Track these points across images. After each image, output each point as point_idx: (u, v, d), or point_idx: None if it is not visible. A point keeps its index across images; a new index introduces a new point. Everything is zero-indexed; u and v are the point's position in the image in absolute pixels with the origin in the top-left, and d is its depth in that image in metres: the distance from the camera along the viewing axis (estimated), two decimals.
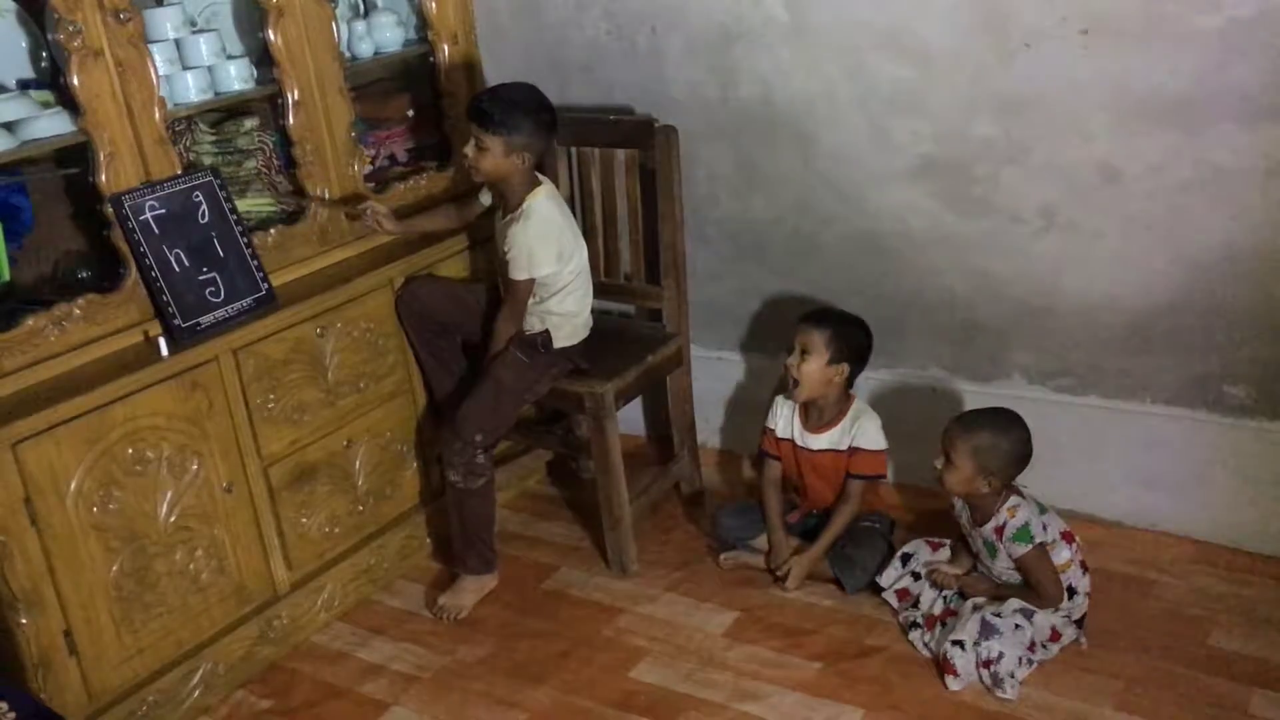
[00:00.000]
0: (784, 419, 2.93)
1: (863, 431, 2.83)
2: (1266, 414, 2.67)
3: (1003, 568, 2.57)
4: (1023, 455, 2.52)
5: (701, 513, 3.22)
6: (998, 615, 2.47)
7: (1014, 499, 2.53)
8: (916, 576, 2.71)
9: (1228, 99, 2.46)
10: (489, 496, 2.90)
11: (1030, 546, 2.48)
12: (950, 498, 2.66)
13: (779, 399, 2.95)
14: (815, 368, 2.79)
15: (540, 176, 2.85)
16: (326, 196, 2.89)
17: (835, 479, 2.88)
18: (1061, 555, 2.53)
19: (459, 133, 3.26)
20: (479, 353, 2.94)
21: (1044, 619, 2.51)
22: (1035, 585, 2.51)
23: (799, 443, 2.90)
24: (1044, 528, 2.52)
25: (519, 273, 2.77)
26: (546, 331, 2.85)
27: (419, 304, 2.97)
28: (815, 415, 2.88)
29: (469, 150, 2.77)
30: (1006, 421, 2.53)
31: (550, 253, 2.77)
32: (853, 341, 2.81)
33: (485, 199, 2.97)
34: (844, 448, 2.85)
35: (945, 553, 2.73)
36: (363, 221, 2.87)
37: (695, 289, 3.21)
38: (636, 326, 3.30)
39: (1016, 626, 2.46)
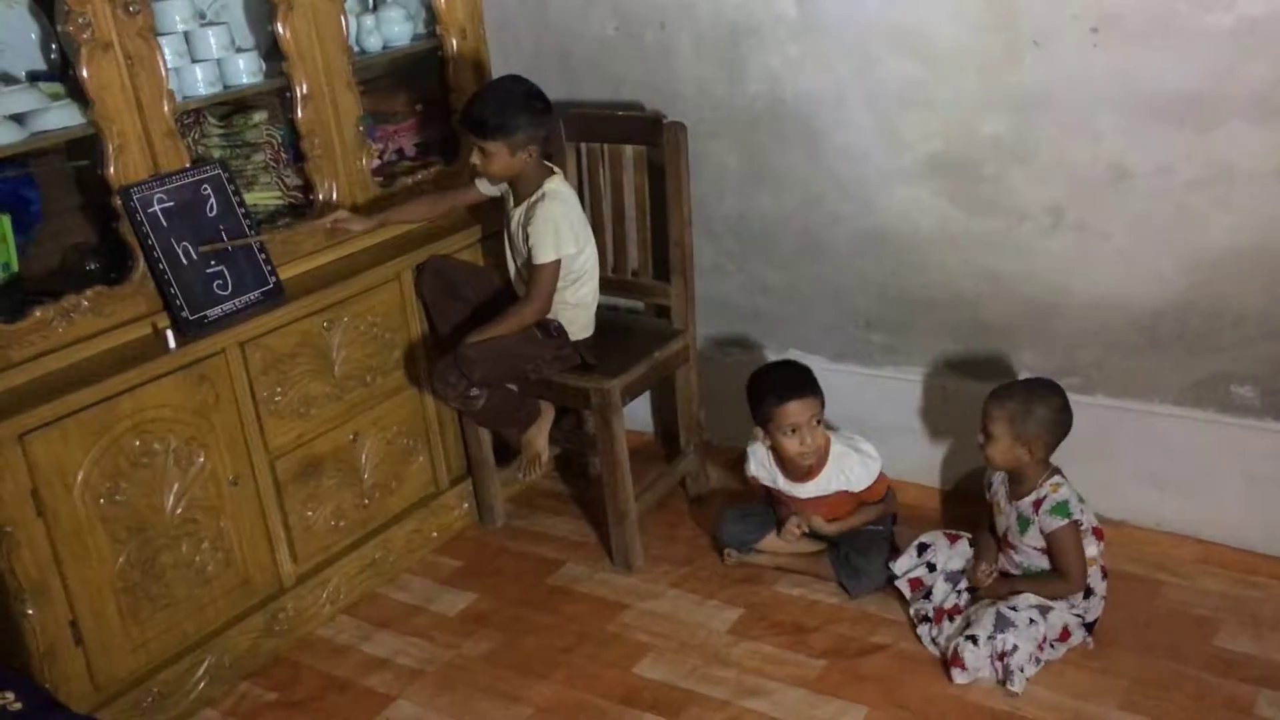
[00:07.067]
0: (764, 469, 2.87)
1: (850, 474, 2.77)
2: (1274, 414, 2.66)
3: (1029, 547, 2.57)
4: (1059, 421, 2.53)
5: (707, 510, 3.21)
6: (1013, 609, 2.47)
7: (1057, 477, 2.55)
8: (931, 568, 2.69)
9: (1238, 98, 2.45)
10: (497, 396, 2.81)
11: (1066, 522, 2.49)
12: (989, 470, 2.67)
13: (749, 449, 2.88)
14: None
15: (552, 166, 2.84)
16: (334, 190, 2.89)
17: (835, 508, 2.83)
18: (1090, 549, 2.54)
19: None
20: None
21: (1057, 616, 2.50)
22: (1061, 565, 2.52)
23: (786, 491, 2.85)
24: (1081, 510, 2.53)
25: (546, 254, 2.73)
26: (559, 323, 2.84)
27: (435, 269, 2.97)
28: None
29: (475, 159, 2.76)
30: (1040, 388, 2.56)
31: (572, 233, 2.77)
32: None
33: (485, 188, 2.93)
34: (831, 490, 2.80)
35: (964, 546, 2.69)
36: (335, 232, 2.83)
37: (703, 285, 3.20)
38: (644, 322, 3.30)
39: (1031, 621, 2.46)
